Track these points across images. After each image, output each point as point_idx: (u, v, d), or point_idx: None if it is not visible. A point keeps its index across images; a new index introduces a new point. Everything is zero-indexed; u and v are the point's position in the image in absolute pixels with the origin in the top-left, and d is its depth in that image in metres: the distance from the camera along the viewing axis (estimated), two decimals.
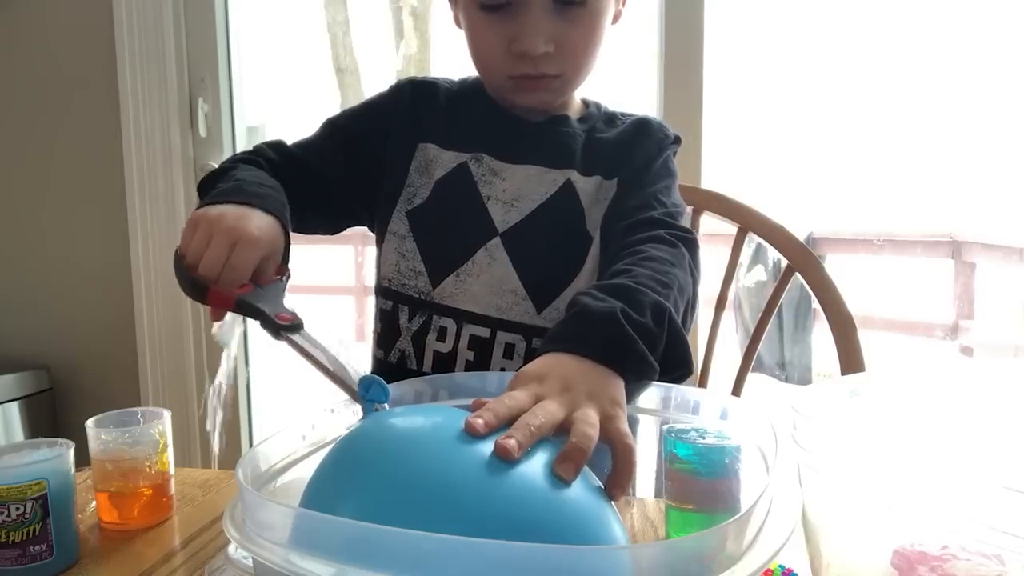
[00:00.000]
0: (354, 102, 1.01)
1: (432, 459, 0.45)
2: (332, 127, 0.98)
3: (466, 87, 0.99)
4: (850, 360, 1.04)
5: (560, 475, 0.45)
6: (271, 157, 0.92)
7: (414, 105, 0.97)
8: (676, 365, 0.68)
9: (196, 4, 1.84)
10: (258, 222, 0.72)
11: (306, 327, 0.63)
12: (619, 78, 1.50)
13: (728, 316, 1.90)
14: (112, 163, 1.86)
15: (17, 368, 1.88)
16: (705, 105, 1.65)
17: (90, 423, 0.81)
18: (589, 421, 0.51)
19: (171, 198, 1.85)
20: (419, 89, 0.98)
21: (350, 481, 0.46)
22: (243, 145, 1.90)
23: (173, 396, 1.89)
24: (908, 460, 0.46)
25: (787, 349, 3.58)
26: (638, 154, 0.93)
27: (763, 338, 1.13)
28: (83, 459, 0.79)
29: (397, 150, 0.96)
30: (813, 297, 1.07)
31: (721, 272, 1.17)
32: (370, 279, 0.99)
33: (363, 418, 0.56)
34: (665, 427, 0.64)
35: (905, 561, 0.48)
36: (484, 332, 0.89)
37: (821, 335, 3.39)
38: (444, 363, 0.90)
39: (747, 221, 1.15)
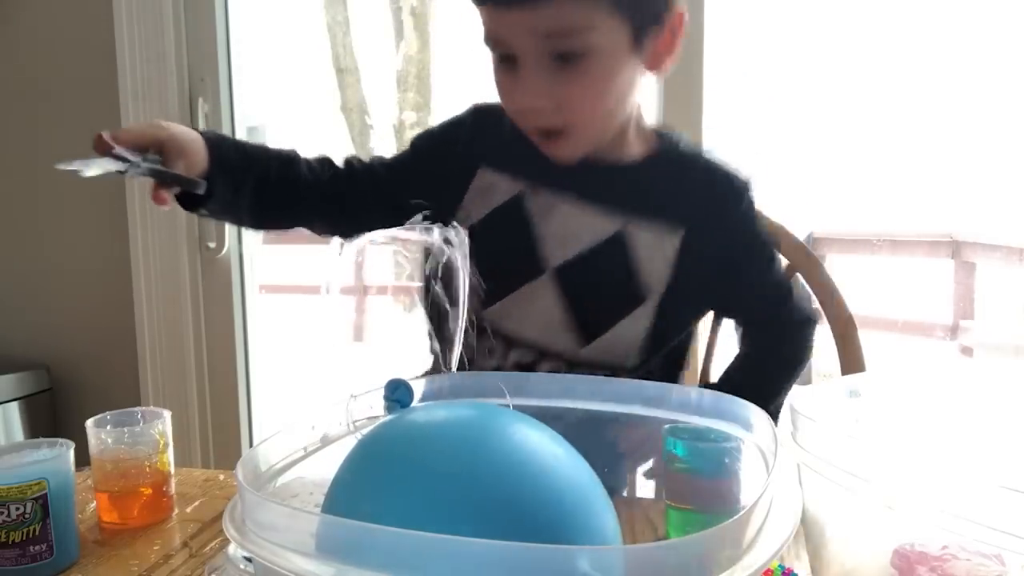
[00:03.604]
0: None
1: (445, 459, 0.45)
2: (411, 150, 1.02)
3: None
4: (850, 360, 1.04)
5: None
6: (333, 163, 0.99)
7: (477, 130, 0.97)
8: None
9: (196, 4, 1.84)
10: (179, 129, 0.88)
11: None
12: None
13: None
14: None
15: (17, 368, 1.88)
16: (705, 105, 1.64)
17: (90, 423, 0.81)
18: None
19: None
20: (483, 115, 0.98)
21: (367, 483, 0.46)
22: None
23: (173, 396, 1.89)
24: (908, 460, 0.46)
25: None
26: (707, 217, 0.90)
27: None
28: (83, 459, 0.79)
29: (457, 173, 0.96)
30: (813, 297, 1.07)
31: None
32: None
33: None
34: (665, 427, 0.64)
35: (905, 561, 0.48)
36: (527, 357, 0.90)
37: (821, 335, 3.38)
38: None
39: None
